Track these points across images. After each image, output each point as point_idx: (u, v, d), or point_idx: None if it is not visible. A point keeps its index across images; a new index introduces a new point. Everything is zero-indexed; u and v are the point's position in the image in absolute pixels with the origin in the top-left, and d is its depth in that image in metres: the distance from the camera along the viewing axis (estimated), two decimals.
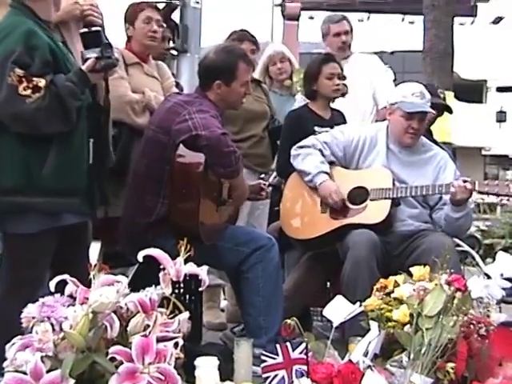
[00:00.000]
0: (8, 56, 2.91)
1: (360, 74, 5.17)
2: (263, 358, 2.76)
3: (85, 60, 3.12)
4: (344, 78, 4.71)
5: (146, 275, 2.59)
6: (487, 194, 3.96)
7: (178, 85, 5.16)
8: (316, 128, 4.54)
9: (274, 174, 4.92)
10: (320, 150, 4.19)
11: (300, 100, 5.12)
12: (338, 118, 4.71)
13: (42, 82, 2.93)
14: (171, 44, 5.33)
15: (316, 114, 4.68)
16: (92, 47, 3.14)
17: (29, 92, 2.90)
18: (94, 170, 3.24)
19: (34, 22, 3.06)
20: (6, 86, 2.90)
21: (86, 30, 3.26)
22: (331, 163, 4.21)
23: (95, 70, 3.11)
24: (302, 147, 4.25)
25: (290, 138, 4.51)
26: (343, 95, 4.79)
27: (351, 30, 5.55)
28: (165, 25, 4.48)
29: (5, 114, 2.96)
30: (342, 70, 4.71)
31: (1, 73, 2.91)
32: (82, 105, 3.11)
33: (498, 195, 4.01)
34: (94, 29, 3.24)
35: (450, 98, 7.66)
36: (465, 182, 3.84)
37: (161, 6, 5.76)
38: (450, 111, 5.02)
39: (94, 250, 3.90)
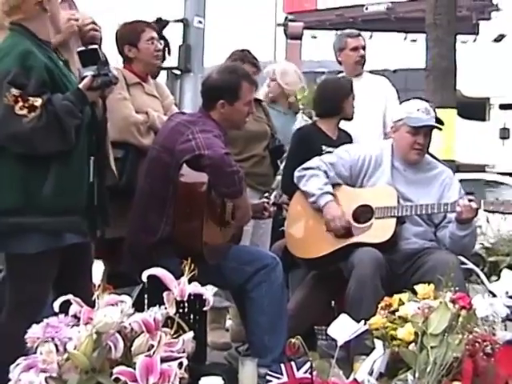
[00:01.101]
0: (3, 77, 2.92)
1: (372, 94, 5.18)
2: (268, 378, 2.75)
3: (82, 78, 3.13)
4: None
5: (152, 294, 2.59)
6: (492, 212, 3.95)
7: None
8: (323, 147, 4.56)
9: (275, 192, 4.92)
10: (325, 172, 4.18)
11: (301, 119, 5.14)
12: (345, 139, 4.72)
13: (38, 102, 2.92)
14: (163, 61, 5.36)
15: (324, 133, 4.71)
16: (89, 65, 3.15)
17: (25, 111, 2.90)
18: (94, 188, 3.24)
19: (33, 43, 3.06)
20: (2, 106, 2.90)
21: (83, 48, 3.27)
22: (336, 184, 4.21)
23: (92, 87, 3.11)
24: (306, 169, 4.25)
25: (296, 155, 4.54)
26: None
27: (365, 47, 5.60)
28: (161, 46, 4.48)
29: (1, 135, 2.96)
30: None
31: None
32: (82, 123, 3.12)
33: (503, 213, 4.00)
34: (90, 47, 3.25)
35: (453, 115, 7.67)
36: (470, 200, 3.84)
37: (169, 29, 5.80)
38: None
39: (97, 269, 3.89)
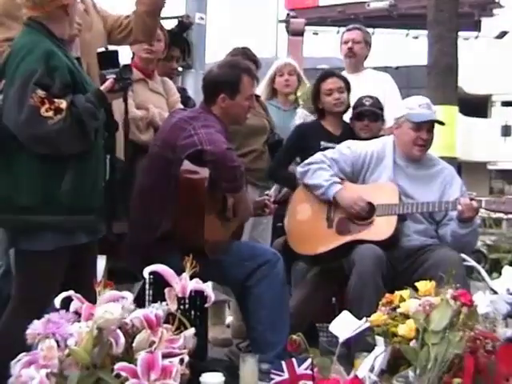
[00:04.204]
0: (29, 76, 2.90)
1: (370, 90, 5.18)
2: (272, 376, 2.75)
3: (103, 80, 3.13)
4: (348, 90, 4.74)
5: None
6: (494, 211, 3.95)
7: (190, 99, 5.18)
8: (322, 142, 4.57)
9: (274, 187, 4.93)
10: (329, 166, 4.19)
11: (301, 114, 5.13)
12: (351, 134, 4.72)
13: (63, 104, 2.92)
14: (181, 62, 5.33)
15: (326, 129, 4.75)
16: (109, 67, 3.16)
17: (51, 114, 2.89)
18: (109, 185, 3.25)
19: (51, 41, 3.06)
20: (27, 107, 2.88)
21: (103, 49, 3.28)
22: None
23: (113, 90, 3.13)
24: (310, 163, 4.26)
25: (291, 147, 4.67)
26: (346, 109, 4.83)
27: (366, 42, 5.57)
28: (162, 38, 4.47)
29: (26, 135, 2.94)
30: (346, 82, 4.76)
31: (22, 93, 2.90)
32: (99, 124, 3.13)
33: (505, 213, 4.00)
34: (111, 49, 3.26)
35: (454, 112, 7.66)
36: (471, 199, 3.83)
37: (172, 24, 5.77)
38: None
39: (100, 265, 3.89)
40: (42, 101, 2.89)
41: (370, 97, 4.81)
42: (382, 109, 4.73)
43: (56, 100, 2.92)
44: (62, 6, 3.09)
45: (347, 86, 4.76)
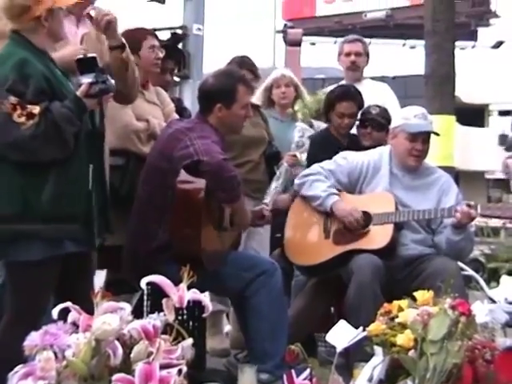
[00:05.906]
0: (1, 84, 2.93)
1: (370, 101, 5.20)
2: None
3: (79, 85, 3.13)
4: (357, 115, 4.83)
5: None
6: (489, 217, 3.96)
7: (185, 110, 5.18)
8: (337, 150, 4.62)
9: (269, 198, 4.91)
10: (326, 177, 4.20)
11: (300, 129, 5.13)
12: (355, 146, 4.74)
13: (36, 109, 2.93)
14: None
15: (335, 138, 4.86)
16: (87, 73, 3.15)
17: (23, 119, 2.91)
18: (93, 196, 3.23)
19: (30, 52, 3.07)
20: (0, 114, 2.92)
21: (81, 56, 3.27)
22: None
23: (90, 95, 3.11)
24: (307, 175, 4.27)
25: (318, 157, 4.60)
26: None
27: (366, 53, 5.59)
28: (162, 54, 4.46)
29: (0, 143, 2.97)
30: (360, 105, 4.85)
31: None
32: (80, 131, 3.12)
33: (500, 218, 4.01)
34: (89, 55, 3.25)
35: (452, 122, 7.67)
36: (468, 206, 3.84)
37: (166, 36, 5.79)
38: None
39: (100, 277, 3.89)
40: (14, 107, 2.91)
41: (378, 106, 4.84)
42: (389, 120, 4.70)
43: (28, 106, 2.93)
44: (35, 18, 3.09)
45: (360, 109, 4.86)
